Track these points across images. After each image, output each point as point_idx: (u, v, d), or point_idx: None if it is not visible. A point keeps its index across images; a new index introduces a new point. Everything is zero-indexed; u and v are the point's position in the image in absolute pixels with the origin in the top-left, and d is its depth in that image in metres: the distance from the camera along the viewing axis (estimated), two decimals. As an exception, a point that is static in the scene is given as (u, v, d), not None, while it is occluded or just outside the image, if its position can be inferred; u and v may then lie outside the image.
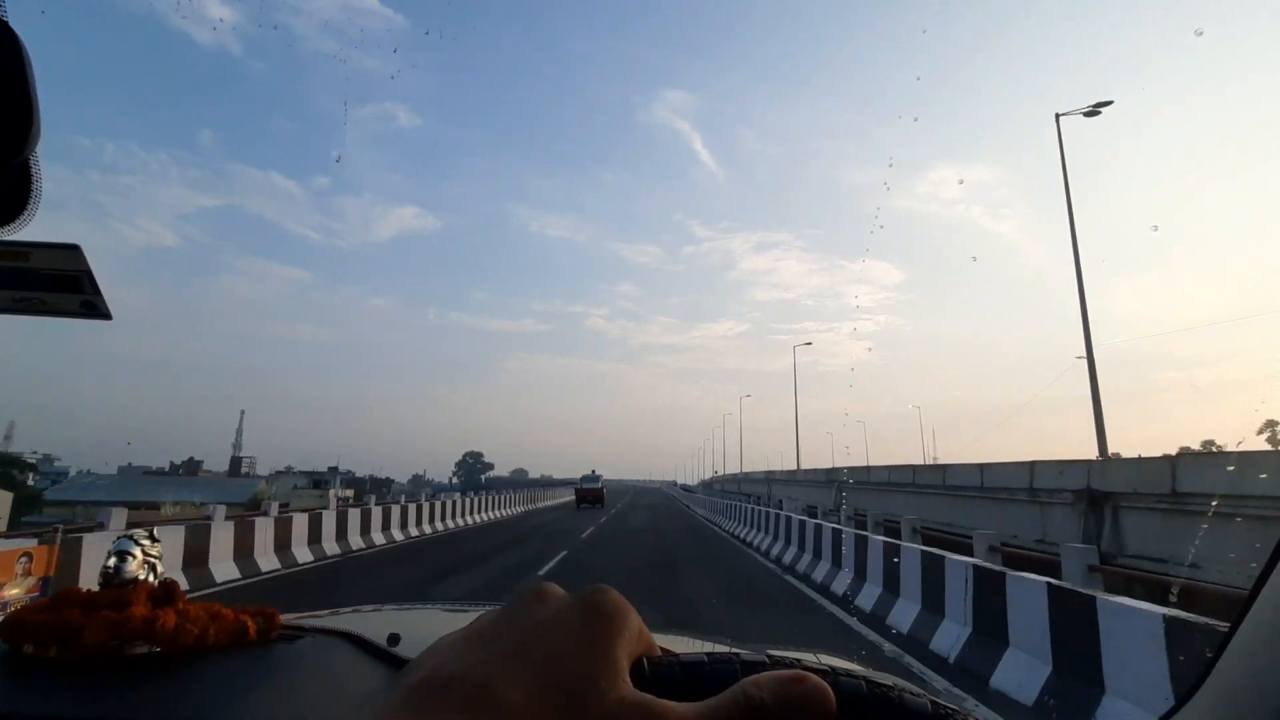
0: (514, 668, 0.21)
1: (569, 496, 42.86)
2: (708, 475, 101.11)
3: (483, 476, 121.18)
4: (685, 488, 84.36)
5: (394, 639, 0.99)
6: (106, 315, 0.88)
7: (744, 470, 64.26)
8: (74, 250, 0.80)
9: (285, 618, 1.09)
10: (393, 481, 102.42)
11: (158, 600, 1.02)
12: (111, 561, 1.06)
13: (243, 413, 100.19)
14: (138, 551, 1.07)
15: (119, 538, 1.11)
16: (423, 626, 1.25)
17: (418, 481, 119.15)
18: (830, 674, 0.27)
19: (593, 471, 40.15)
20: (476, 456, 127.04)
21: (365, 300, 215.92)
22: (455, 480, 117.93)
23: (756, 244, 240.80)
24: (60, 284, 0.82)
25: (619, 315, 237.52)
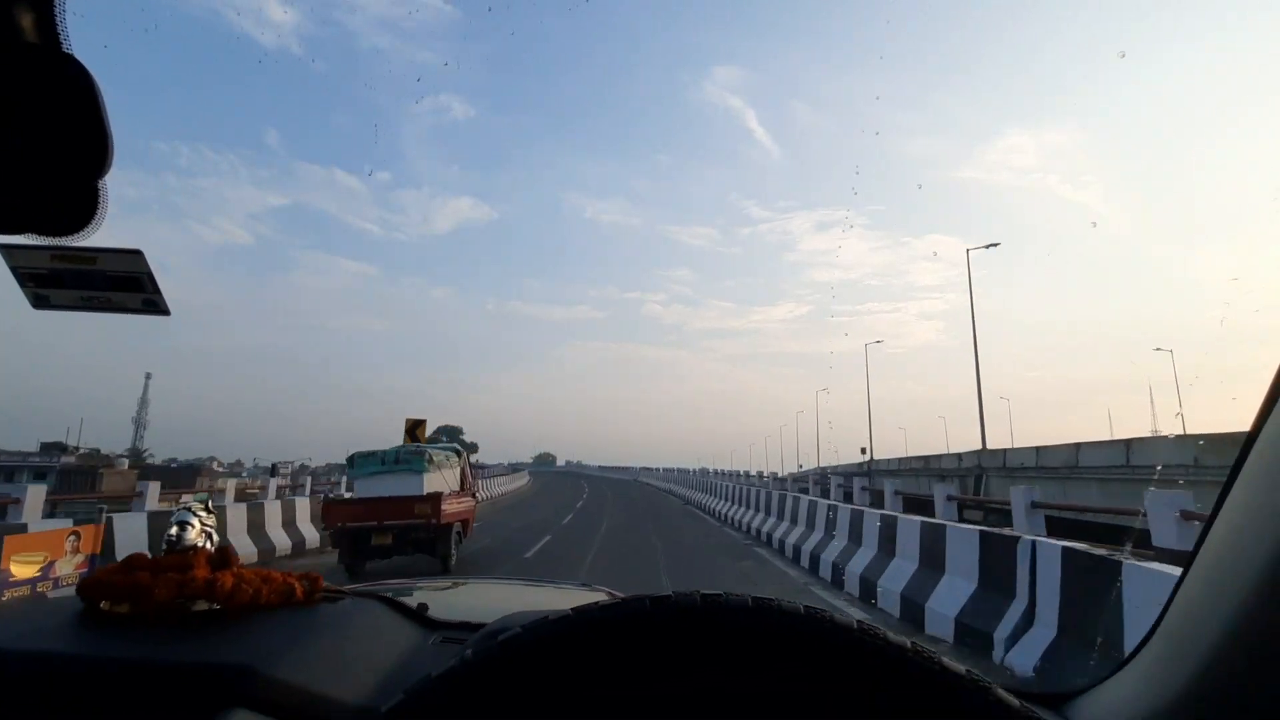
0: None
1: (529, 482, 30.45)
2: (799, 466, 58.07)
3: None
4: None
5: (423, 607, 1.12)
6: (165, 311, 0.98)
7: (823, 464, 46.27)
8: (137, 254, 0.91)
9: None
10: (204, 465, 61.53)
11: (215, 564, 1.13)
12: (174, 530, 1.19)
13: (148, 376, 74.05)
14: (196, 521, 1.20)
15: (180, 509, 1.24)
16: (450, 599, 1.38)
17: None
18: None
19: (410, 440, 10.89)
20: (453, 433, 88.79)
21: (427, 292, 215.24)
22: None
23: (816, 223, 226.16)
24: (125, 284, 0.93)
25: (675, 300, 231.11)
